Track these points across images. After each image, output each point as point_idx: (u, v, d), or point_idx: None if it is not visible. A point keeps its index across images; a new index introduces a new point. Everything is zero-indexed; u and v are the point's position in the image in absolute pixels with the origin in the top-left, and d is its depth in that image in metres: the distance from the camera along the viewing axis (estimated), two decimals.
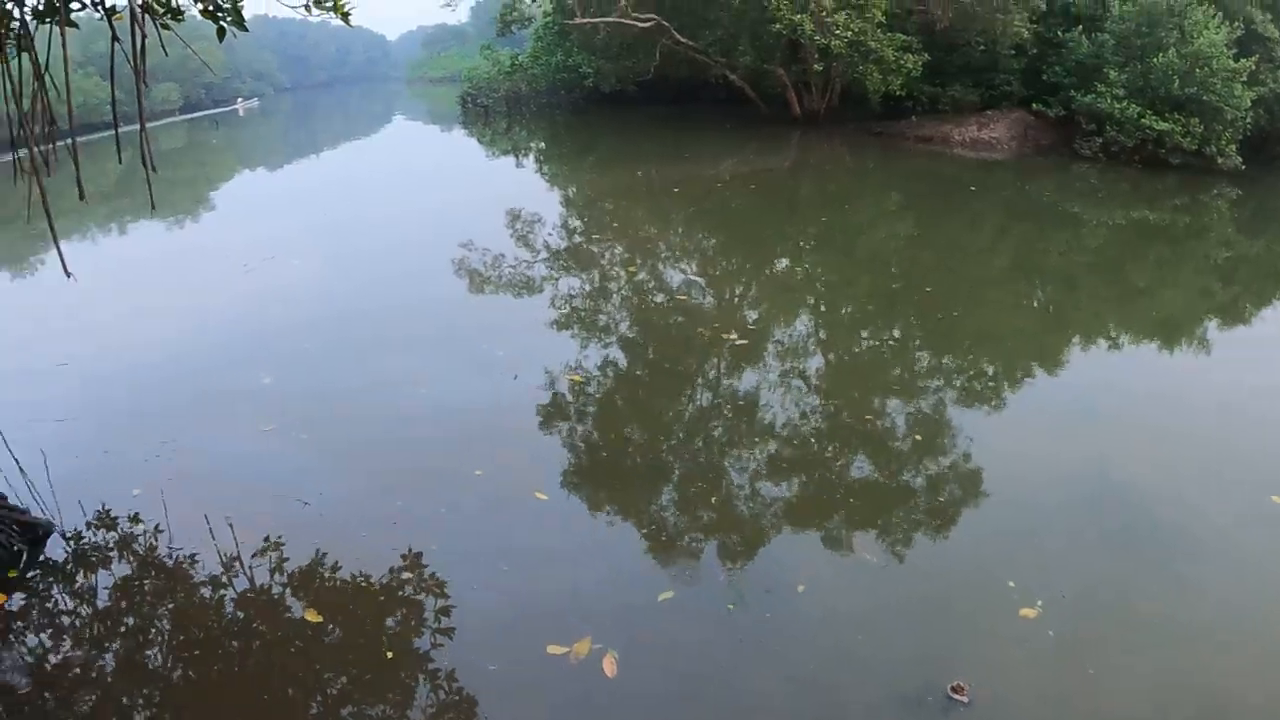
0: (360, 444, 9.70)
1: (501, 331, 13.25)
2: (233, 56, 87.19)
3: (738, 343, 12.54)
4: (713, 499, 8.51)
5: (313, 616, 6.81)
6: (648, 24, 36.77)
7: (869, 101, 34.53)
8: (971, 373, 11.98)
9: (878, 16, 31.89)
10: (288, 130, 65.96)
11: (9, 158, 7.81)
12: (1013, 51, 33.44)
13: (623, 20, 36.84)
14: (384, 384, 11.17)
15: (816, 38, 31.86)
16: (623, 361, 12.22)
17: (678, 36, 37.23)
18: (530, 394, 10.70)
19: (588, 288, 15.94)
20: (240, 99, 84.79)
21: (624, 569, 7.47)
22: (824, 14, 31.46)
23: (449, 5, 46.68)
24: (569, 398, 10.69)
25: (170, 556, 7.70)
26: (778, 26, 32.25)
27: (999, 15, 31.75)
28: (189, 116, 63.56)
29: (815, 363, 12.44)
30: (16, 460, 8.88)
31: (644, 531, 7.93)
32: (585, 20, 39.08)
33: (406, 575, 7.26)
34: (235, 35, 6.48)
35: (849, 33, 31.47)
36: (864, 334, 13.69)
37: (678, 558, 7.57)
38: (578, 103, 48.79)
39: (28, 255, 19.77)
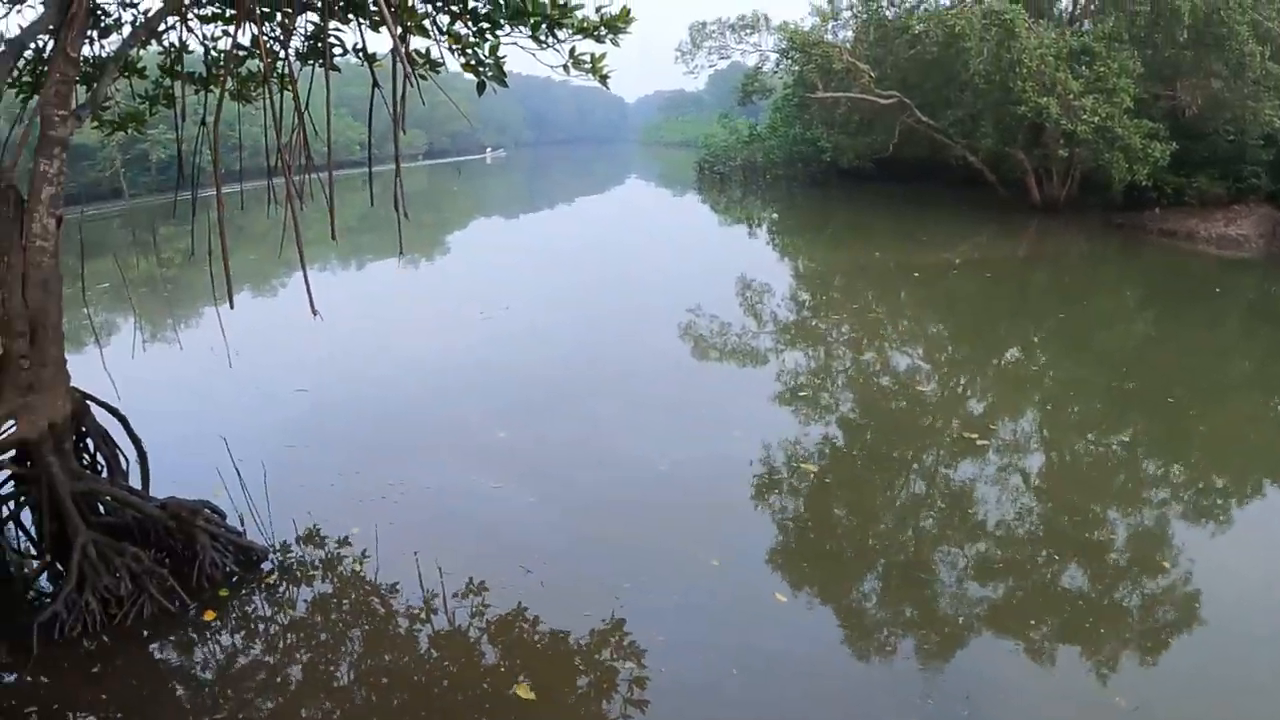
0: (589, 511, 9.63)
1: (728, 401, 13.22)
2: (479, 108, 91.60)
3: (962, 435, 12.05)
4: (931, 601, 8.10)
5: (511, 677, 6.78)
6: (889, 101, 36.49)
7: (1110, 190, 32.93)
8: (1200, 485, 11.10)
9: (1125, 101, 30.50)
10: (526, 182, 68.55)
11: (265, 184, 8.26)
12: (1261, 141, 31.35)
13: (864, 96, 36.69)
14: (612, 446, 11.24)
15: (1062, 122, 30.78)
16: (845, 445, 11.94)
17: (919, 115, 36.78)
18: (758, 469, 10.56)
19: (813, 364, 15.73)
20: (489, 149, 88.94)
21: (854, 685, 7.04)
22: (1071, 97, 30.40)
23: (690, 73, 47.45)
24: (796, 483, 10.46)
25: (374, 591, 7.92)
26: (1022, 109, 31.27)
27: (1249, 103, 30.10)
28: (432, 162, 66.85)
29: (1037, 461, 11.79)
30: (241, 479, 9.33)
31: (875, 646, 7.50)
32: (826, 95, 39.11)
33: (611, 641, 7.15)
34: (495, 90, 6.65)
35: (1095, 117, 30.25)
36: (1091, 436, 12.90)
37: (910, 679, 7.00)
38: (814, 176, 48.72)
39: (275, 281, 21.00)
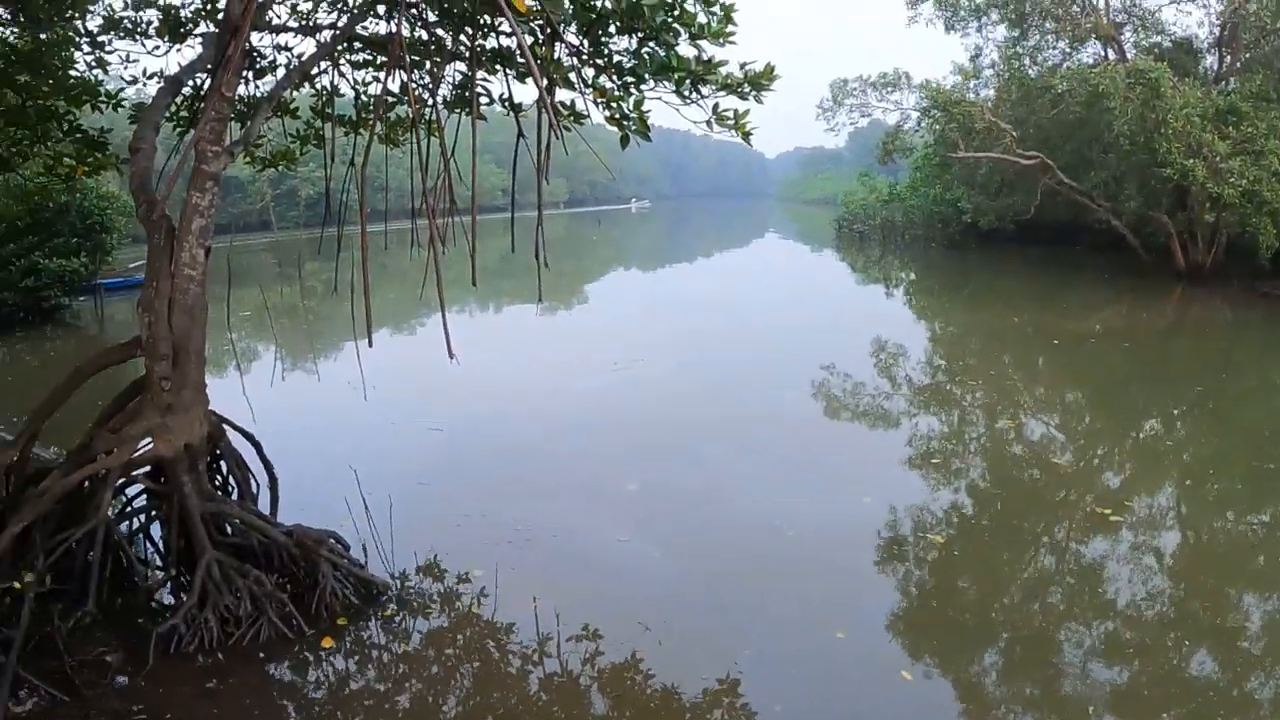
0: (713, 569, 9.48)
1: (858, 462, 13.05)
2: (620, 159, 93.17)
3: (1095, 509, 11.61)
4: (1056, 681, 7.78)
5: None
6: (1031, 162, 35.76)
7: (1257, 256, 31.41)
8: None
9: (1275, 164, 29.13)
10: (664, 234, 69.13)
11: (408, 225, 8.45)
12: None
13: (1006, 157, 36.03)
14: (740, 503, 11.13)
15: (1208, 185, 29.63)
16: (974, 514, 11.60)
17: (1061, 176, 35.91)
18: (885, 534, 10.34)
19: (946, 429, 15.39)
20: (634, 200, 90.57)
21: None
22: (1217, 159, 29.28)
23: (831, 130, 47.32)
24: (923, 552, 10.19)
25: (490, 630, 7.97)
26: (1167, 171, 30.17)
27: None
28: (573, 210, 67.96)
29: (1172, 540, 11.27)
30: (368, 511, 9.51)
31: None
32: (968, 155, 38.53)
33: (724, 703, 7.01)
34: (638, 144, 6.69)
35: (1243, 180, 29.00)
36: (1229, 516, 12.29)
37: None
38: (952, 237, 48.04)
39: (413, 320, 21.47)
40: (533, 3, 6.41)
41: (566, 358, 19.29)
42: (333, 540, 8.35)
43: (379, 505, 9.60)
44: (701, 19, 7.37)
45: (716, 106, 7.38)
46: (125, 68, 11.60)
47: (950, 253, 45.95)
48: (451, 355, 5.73)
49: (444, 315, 5.67)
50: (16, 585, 7.41)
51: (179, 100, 10.10)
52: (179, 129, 10.51)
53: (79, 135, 11.70)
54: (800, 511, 10.81)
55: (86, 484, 8.37)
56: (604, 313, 27.66)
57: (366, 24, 9.25)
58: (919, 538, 10.40)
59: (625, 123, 6.79)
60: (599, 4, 7.32)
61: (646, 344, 20.54)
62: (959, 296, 34.89)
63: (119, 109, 11.59)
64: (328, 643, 7.59)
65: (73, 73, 11.54)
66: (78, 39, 11.27)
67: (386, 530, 9.22)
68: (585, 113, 7.23)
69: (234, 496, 9.02)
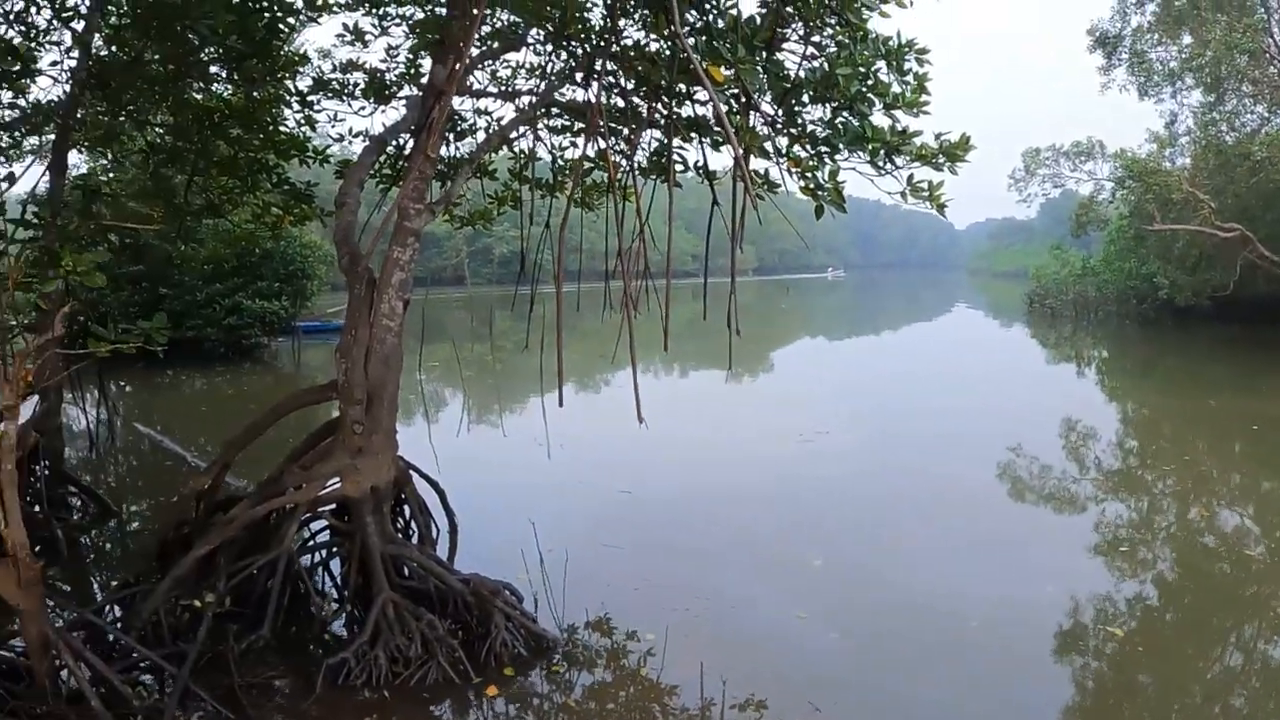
0: (889, 653, 9.14)
1: (1041, 547, 12.48)
2: (809, 228, 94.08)
3: None
4: None
5: None
6: (1230, 234, 34.16)
7: None
8: None
9: None
10: (851, 304, 68.63)
11: (599, 286, 8.60)
12: None
13: (1203, 229, 34.53)
14: (919, 586, 10.77)
15: None
16: (1159, 607, 11.00)
17: (1261, 249, 34.14)
18: (1065, 624, 9.88)
19: (1135, 517, 14.68)
20: (830, 269, 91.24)
21: None
22: None
23: (1023, 201, 46.21)
24: (1103, 645, 9.72)
25: (654, 691, 7.92)
26: None
27: None
28: (761, 278, 68.15)
29: None
30: (543, 565, 9.57)
31: None
32: (1164, 226, 37.08)
33: None
34: (833, 215, 6.67)
35: None
36: None
37: None
38: (1146, 313, 46.17)
39: (600, 379, 21.77)
40: (729, 72, 6.47)
41: (752, 425, 19.26)
42: (507, 591, 8.48)
43: (554, 560, 9.70)
44: (895, 89, 7.33)
45: (911, 177, 7.28)
46: (332, 126, 12.29)
47: (1144, 330, 44.06)
48: (641, 419, 5.76)
49: (635, 380, 5.73)
50: (198, 603, 7.87)
51: (382, 158, 10.58)
52: (381, 186, 11.01)
53: (286, 187, 12.40)
54: (981, 596, 10.44)
55: (273, 515, 8.77)
56: (789, 381, 27.55)
57: (564, 90, 9.52)
58: (1100, 629, 9.91)
59: (820, 193, 6.77)
60: (793, 73, 7.36)
61: (831, 415, 20.36)
62: (1152, 377, 33.38)
63: (325, 164, 12.25)
64: (492, 691, 7.67)
65: (283, 129, 12.26)
66: (288, 97, 11.97)
67: (560, 585, 9.30)
68: (779, 182, 7.26)
69: (414, 540, 9.29)
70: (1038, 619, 9.92)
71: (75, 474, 12.98)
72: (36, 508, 11.31)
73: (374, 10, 11.08)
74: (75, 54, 10.21)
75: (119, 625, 7.85)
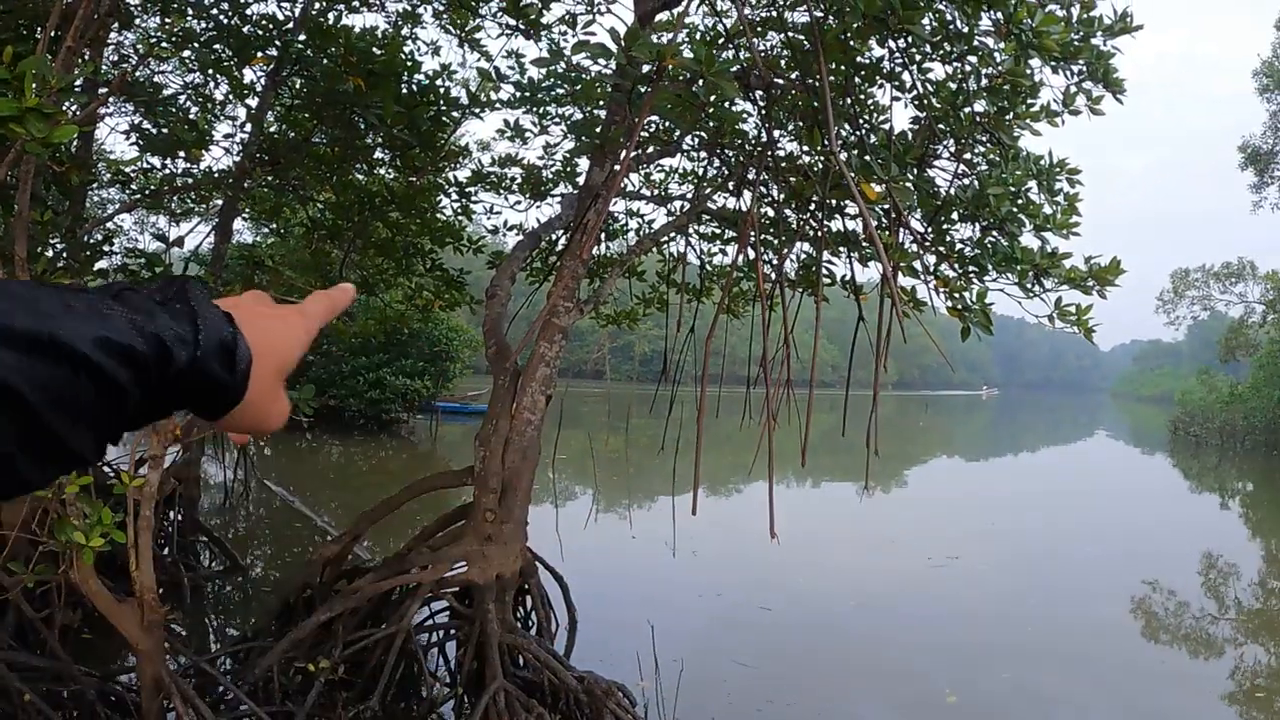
0: None
1: (1175, 693, 11.88)
2: (951, 345, 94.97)
3: None
4: None
5: None
6: None
7: None
8: None
9: None
10: (990, 424, 67.28)
11: (737, 390, 8.59)
12: None
13: None
14: None
15: None
16: None
17: None
18: None
19: (1274, 662, 13.88)
20: (985, 387, 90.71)
21: None
22: None
23: (1171, 323, 44.92)
24: None
25: None
26: None
27: None
28: (901, 393, 67.17)
29: None
30: (658, 671, 9.44)
31: None
32: None
33: None
34: (980, 337, 6.58)
35: None
36: None
37: None
38: None
39: (731, 485, 21.67)
40: (880, 189, 6.49)
41: (882, 544, 18.86)
42: (620, 693, 8.39)
43: (670, 666, 9.59)
44: (1046, 209, 7.23)
45: (1059, 301, 7.12)
46: (488, 217, 12.68)
47: None
48: (774, 535, 5.71)
49: (770, 495, 5.68)
50: (311, 667, 7.98)
51: (534, 252, 10.88)
52: (532, 281, 11.30)
53: (439, 272, 12.79)
54: None
55: (396, 591, 8.91)
56: (923, 501, 27.04)
57: (715, 198, 9.67)
58: None
59: (967, 314, 6.68)
60: (943, 191, 7.33)
61: (962, 538, 19.82)
62: None
63: (478, 253, 12.61)
64: None
65: (440, 216, 12.70)
66: (448, 186, 12.43)
67: (672, 691, 9.18)
68: (925, 300, 7.19)
69: (533, 632, 9.29)
70: None
71: (207, 524, 13.40)
72: (167, 552, 11.77)
73: (534, 109, 11.49)
74: (248, 129, 10.80)
75: (231, 678, 8.02)
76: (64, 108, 4.02)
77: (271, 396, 0.93)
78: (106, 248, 9.85)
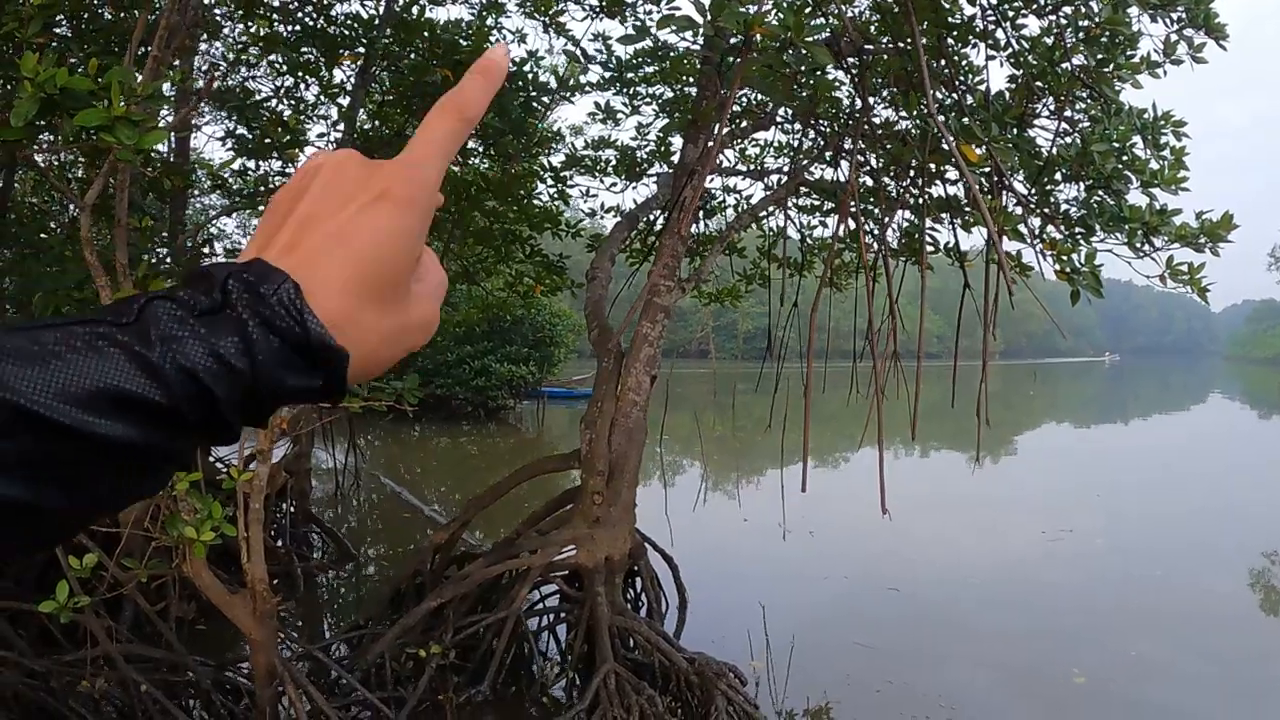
0: None
1: None
2: (1057, 310, 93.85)
3: None
4: None
5: None
6: None
7: None
8: None
9: None
10: (1100, 392, 65.65)
11: (844, 365, 8.46)
12: None
13: None
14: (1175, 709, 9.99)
15: None
16: None
17: None
18: None
19: None
20: (1108, 354, 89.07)
21: None
22: None
23: None
24: None
25: None
26: None
27: None
28: (1007, 361, 65.75)
29: None
30: (769, 651, 9.37)
31: None
32: None
33: None
34: (1090, 300, 6.36)
35: None
36: None
37: None
38: None
39: (839, 458, 21.42)
40: (981, 150, 6.30)
41: (995, 518, 18.44)
42: (732, 674, 8.34)
43: (781, 646, 9.50)
44: (1153, 165, 6.94)
45: (1170, 259, 6.83)
46: (585, 200, 12.68)
47: None
48: (885, 511, 5.58)
49: (881, 471, 5.56)
50: (422, 653, 8.05)
51: (633, 233, 10.84)
52: (632, 262, 11.27)
53: (539, 258, 12.83)
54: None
55: (506, 576, 8.98)
56: (1034, 471, 26.37)
57: (812, 169, 9.51)
58: None
59: (1076, 276, 6.44)
60: (1045, 150, 7.10)
61: (1075, 510, 19.24)
62: None
63: (577, 237, 12.62)
64: None
65: (536, 202, 12.72)
66: (542, 172, 12.43)
67: (783, 673, 9.10)
68: (1032, 265, 6.97)
69: (643, 614, 9.30)
70: None
71: (319, 515, 13.66)
72: (279, 543, 12.04)
73: (625, 90, 11.44)
74: (340, 127, 10.95)
75: (344, 664, 8.18)
76: (155, 115, 4.08)
77: (394, 327, 0.75)
78: (207, 250, 10.07)
